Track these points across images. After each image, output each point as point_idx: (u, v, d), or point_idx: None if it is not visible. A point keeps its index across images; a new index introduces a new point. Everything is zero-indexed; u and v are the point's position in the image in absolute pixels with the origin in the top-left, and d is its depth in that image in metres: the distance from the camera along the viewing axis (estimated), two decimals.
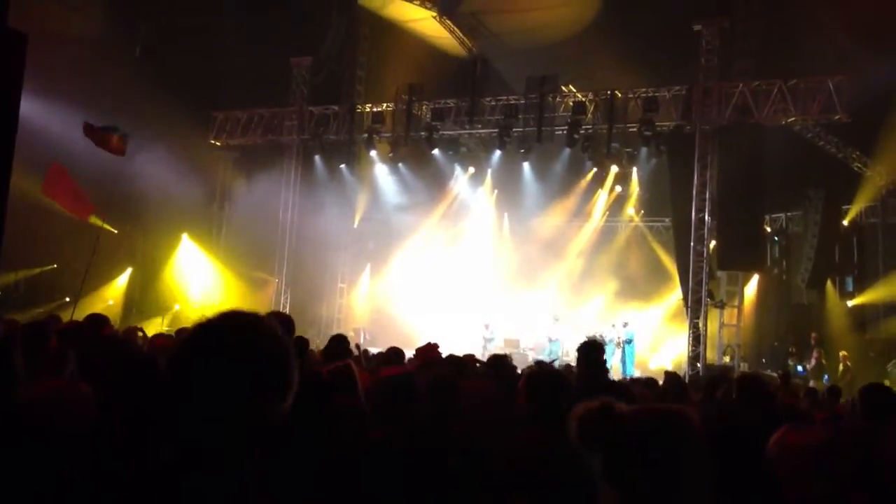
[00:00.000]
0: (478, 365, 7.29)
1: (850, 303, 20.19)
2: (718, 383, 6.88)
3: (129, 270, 22.26)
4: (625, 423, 1.83)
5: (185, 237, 22.72)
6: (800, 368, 18.81)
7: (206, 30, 19.94)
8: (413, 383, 4.62)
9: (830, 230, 19.89)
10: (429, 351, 5.89)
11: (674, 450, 1.75)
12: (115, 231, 20.02)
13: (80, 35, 18.66)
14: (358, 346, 9.22)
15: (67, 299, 17.01)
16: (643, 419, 1.82)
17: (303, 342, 7.40)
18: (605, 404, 1.90)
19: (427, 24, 21.25)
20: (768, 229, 21.21)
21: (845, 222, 20.29)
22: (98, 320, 6.14)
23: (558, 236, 23.95)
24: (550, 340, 20.51)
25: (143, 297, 22.15)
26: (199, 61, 19.99)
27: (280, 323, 4.70)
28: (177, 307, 21.78)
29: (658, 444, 1.76)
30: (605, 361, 5.84)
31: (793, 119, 17.63)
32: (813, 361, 18.19)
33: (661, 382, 8.74)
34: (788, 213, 21.59)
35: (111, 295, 21.49)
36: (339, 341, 6.84)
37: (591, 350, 5.75)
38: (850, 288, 20.32)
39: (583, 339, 20.04)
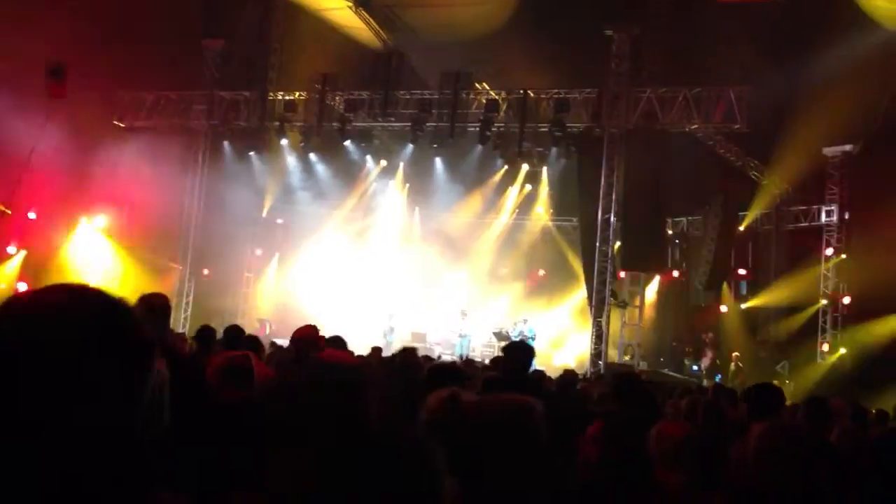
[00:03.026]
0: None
1: (743, 305, 21.05)
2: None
3: (22, 253, 21.30)
4: (469, 413, 1.84)
5: (83, 220, 21.88)
6: (695, 368, 19.52)
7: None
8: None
9: (728, 235, 20.67)
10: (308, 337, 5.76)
11: (515, 441, 1.77)
12: (9, 212, 19.17)
13: None
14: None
15: None
16: (488, 409, 1.83)
17: (209, 332, 7.22)
18: (453, 393, 1.90)
19: (343, 13, 21.03)
20: (670, 232, 21.88)
21: (742, 228, 21.11)
22: None
23: (468, 232, 24.15)
24: (460, 336, 20.61)
25: (36, 282, 21.24)
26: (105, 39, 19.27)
27: (153, 304, 4.55)
28: None
29: (499, 435, 1.77)
30: (530, 363, 5.90)
31: (696, 126, 18.21)
32: (707, 361, 18.89)
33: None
34: (689, 218, 22.32)
35: (1, 279, 20.53)
36: (236, 332, 6.70)
37: (518, 351, 5.83)
38: (744, 291, 21.19)
39: (488, 335, 20.30)
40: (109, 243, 22.16)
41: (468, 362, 11.80)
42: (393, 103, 20.16)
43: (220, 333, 7.32)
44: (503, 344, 20.16)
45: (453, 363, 6.37)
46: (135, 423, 1.32)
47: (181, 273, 21.88)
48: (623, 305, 19.67)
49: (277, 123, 21.06)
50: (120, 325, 1.32)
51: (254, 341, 6.89)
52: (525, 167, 22.12)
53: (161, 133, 21.98)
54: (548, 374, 9.98)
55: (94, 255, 21.95)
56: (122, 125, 22.17)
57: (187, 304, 21.72)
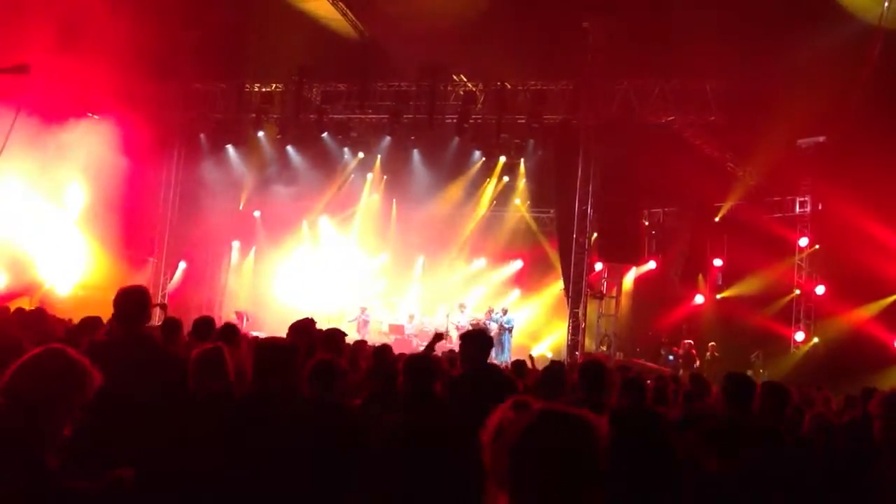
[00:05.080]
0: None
1: (718, 296, 21.20)
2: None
3: None
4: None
5: (56, 212, 21.59)
6: (671, 357, 19.67)
7: None
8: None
9: (703, 226, 20.77)
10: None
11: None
12: None
13: None
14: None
15: None
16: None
17: (174, 323, 7.18)
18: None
19: (319, 4, 20.86)
20: (646, 223, 21.97)
21: (717, 219, 21.24)
22: None
23: (446, 224, 24.10)
24: (457, 329, 20.55)
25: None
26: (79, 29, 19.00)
27: (133, 295, 4.53)
28: (48, 285, 20.71)
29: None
30: (488, 351, 5.85)
31: (672, 118, 18.31)
32: (682, 351, 19.02)
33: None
34: (665, 209, 22.41)
35: None
36: (206, 324, 6.68)
37: (477, 339, 5.79)
38: (719, 282, 21.34)
39: (466, 325, 20.22)
40: (83, 235, 21.90)
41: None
42: (370, 95, 20.12)
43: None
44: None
45: (428, 356, 6.35)
46: None
47: (156, 265, 21.71)
48: (600, 296, 19.75)
49: (254, 115, 20.92)
50: None
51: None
52: (502, 159, 22.13)
53: (136, 125, 21.72)
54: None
55: (68, 246, 21.70)
56: (96, 116, 21.89)
57: (163, 296, 21.55)
